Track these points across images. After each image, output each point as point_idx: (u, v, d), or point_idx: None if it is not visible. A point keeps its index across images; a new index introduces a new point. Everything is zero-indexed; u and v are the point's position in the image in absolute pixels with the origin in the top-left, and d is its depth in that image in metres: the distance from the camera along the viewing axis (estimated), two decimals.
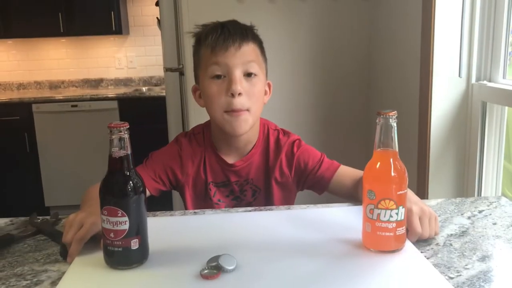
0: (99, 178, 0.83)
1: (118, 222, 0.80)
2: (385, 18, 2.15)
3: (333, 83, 2.36)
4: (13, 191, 3.62)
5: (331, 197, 1.22)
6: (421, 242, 0.91)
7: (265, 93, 1.19)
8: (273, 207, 1.15)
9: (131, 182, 0.81)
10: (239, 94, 1.09)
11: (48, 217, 1.08)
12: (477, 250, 0.87)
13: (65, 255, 0.88)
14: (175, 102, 2.45)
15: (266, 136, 1.23)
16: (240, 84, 1.09)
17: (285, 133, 1.25)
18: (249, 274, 0.79)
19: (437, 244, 0.91)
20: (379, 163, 0.85)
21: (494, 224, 1.00)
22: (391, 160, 0.84)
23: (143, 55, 4.14)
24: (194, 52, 1.18)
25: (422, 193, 1.76)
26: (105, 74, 4.16)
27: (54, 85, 4.14)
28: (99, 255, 0.84)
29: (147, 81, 4.17)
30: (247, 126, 1.12)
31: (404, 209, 0.84)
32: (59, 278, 0.80)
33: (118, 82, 4.17)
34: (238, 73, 1.09)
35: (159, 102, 3.09)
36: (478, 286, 0.75)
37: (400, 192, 0.83)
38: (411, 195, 0.93)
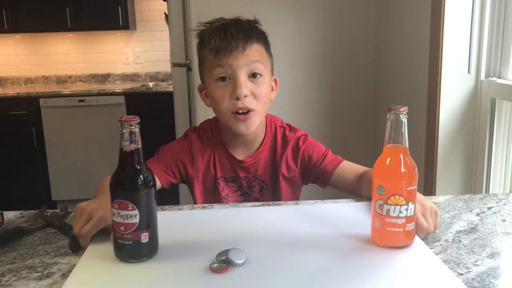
0: (106, 172, 0.83)
1: (128, 216, 0.80)
2: (394, 14, 2.14)
3: (341, 79, 2.35)
4: (20, 185, 3.64)
5: (338, 192, 1.22)
6: (430, 238, 0.91)
7: (272, 89, 1.19)
8: (281, 202, 1.15)
9: (141, 176, 0.81)
10: (245, 96, 1.09)
11: (57, 210, 1.08)
12: (486, 247, 0.87)
13: (74, 248, 0.88)
14: (182, 97, 2.45)
15: (273, 132, 1.23)
16: (245, 86, 1.09)
17: (292, 129, 1.26)
18: (258, 269, 0.79)
19: (446, 240, 0.90)
20: (389, 159, 0.85)
21: (503, 221, 0.99)
22: (401, 156, 0.84)
23: (150, 50, 4.14)
24: (198, 52, 1.19)
25: (430, 189, 1.76)
26: (112, 69, 4.17)
27: (61, 80, 4.16)
28: (109, 248, 0.85)
29: (153, 77, 4.18)
30: (254, 126, 1.14)
31: (413, 205, 0.84)
32: (70, 271, 0.81)
33: (125, 77, 4.18)
34: (242, 76, 1.09)
35: (165, 98, 3.10)
36: (488, 283, 0.75)
37: (410, 188, 0.83)
38: None
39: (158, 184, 1.13)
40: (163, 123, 2.91)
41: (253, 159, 1.20)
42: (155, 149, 1.21)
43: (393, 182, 0.84)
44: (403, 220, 0.84)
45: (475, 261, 0.82)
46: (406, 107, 0.83)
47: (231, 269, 0.79)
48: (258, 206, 1.10)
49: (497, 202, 1.10)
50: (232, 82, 1.10)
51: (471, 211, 1.05)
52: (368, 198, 1.00)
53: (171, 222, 1.00)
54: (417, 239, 0.88)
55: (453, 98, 1.68)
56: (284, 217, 1.03)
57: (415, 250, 0.85)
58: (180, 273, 0.79)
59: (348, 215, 1.03)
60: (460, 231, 0.95)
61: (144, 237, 0.82)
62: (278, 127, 1.24)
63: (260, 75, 1.12)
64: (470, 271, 0.78)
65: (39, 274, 0.81)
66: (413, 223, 0.86)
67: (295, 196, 1.25)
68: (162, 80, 4.13)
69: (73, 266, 0.83)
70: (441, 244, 0.89)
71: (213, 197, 1.22)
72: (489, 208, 1.06)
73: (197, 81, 2.26)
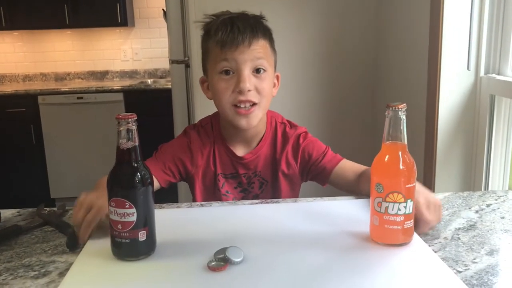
0: (105, 170, 0.83)
1: (125, 214, 0.80)
2: (394, 11, 2.14)
3: (340, 76, 2.34)
4: (19, 183, 3.64)
5: (336, 190, 1.22)
6: (429, 235, 0.90)
7: (274, 85, 1.18)
8: (280, 200, 1.15)
9: (138, 173, 0.81)
10: (248, 90, 1.09)
11: (55, 209, 1.08)
12: (485, 244, 0.87)
13: (71, 247, 0.88)
14: (181, 94, 2.44)
15: (274, 129, 1.23)
16: (249, 81, 1.09)
17: (292, 125, 1.25)
18: (256, 267, 0.79)
19: (445, 238, 0.90)
20: (387, 156, 0.84)
21: (502, 218, 0.99)
22: (400, 153, 0.84)
23: (148, 47, 4.13)
24: (202, 43, 1.18)
25: (429, 186, 1.75)
26: (111, 66, 4.16)
27: (59, 77, 4.15)
28: (107, 247, 0.84)
29: (152, 73, 4.17)
30: (256, 120, 1.14)
31: (412, 202, 0.84)
32: (67, 269, 0.81)
33: (123, 74, 4.17)
34: (247, 71, 1.09)
35: (164, 95, 3.10)
36: (486, 280, 0.74)
37: (409, 185, 0.83)
38: (417, 185, 0.92)
39: (157, 184, 1.13)
40: (161, 120, 2.90)
41: (252, 156, 1.20)
42: (154, 147, 1.21)
43: (391, 179, 0.83)
44: (402, 218, 0.83)
45: (474, 259, 0.82)
46: (404, 104, 0.82)
47: (229, 267, 0.78)
48: (256, 203, 1.10)
49: (496, 199, 1.10)
50: (236, 76, 1.10)
51: (470, 208, 1.05)
52: (368, 195, 1.00)
53: (169, 220, 1.00)
54: (415, 237, 0.88)
55: (452, 94, 1.67)
56: (282, 214, 1.03)
57: (413, 248, 0.85)
58: (178, 272, 0.79)
59: (347, 212, 1.03)
60: (459, 228, 0.94)
61: (142, 235, 0.81)
62: (278, 124, 1.24)
63: (264, 70, 1.12)
64: (468, 269, 0.78)
65: (36, 272, 0.80)
66: (412, 220, 0.85)
67: (294, 193, 1.25)
68: (161, 77, 4.13)
69: (71, 264, 0.82)
70: (440, 242, 0.88)
71: (213, 194, 1.21)
72: (488, 205, 1.06)
73: (195, 78, 2.26)
